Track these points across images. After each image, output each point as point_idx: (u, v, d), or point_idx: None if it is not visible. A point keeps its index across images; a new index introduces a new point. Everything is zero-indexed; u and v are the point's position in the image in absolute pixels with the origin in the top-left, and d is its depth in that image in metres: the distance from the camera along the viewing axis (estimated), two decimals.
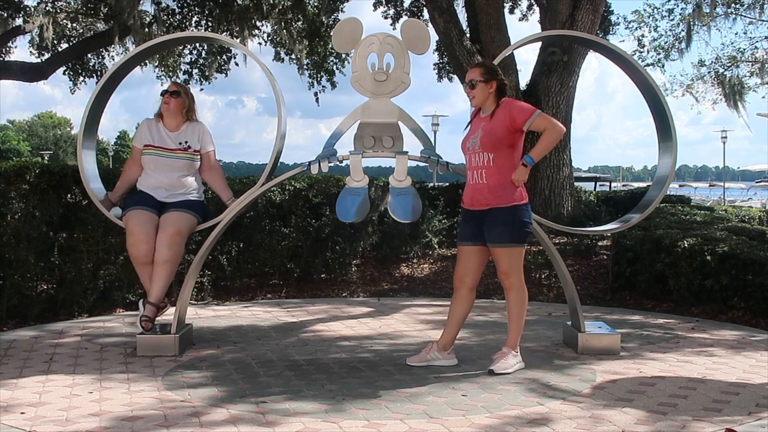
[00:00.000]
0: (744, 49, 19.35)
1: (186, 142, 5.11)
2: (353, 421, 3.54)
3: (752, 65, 19.71)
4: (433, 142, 5.58)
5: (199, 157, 5.17)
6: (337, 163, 4.87)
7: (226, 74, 17.34)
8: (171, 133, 5.12)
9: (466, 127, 4.63)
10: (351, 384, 4.19)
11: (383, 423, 3.50)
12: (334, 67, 17.32)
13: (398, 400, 3.86)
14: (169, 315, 5.20)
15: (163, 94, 5.17)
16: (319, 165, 4.81)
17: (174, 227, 4.90)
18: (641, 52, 18.31)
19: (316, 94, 17.32)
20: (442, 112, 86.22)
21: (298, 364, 4.70)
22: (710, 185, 52.24)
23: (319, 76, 17.33)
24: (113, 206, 5.15)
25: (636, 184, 40.76)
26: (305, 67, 17.14)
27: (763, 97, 47.56)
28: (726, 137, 38.82)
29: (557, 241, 8.90)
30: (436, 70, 16.65)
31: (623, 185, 49.72)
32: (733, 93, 18.91)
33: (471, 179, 4.47)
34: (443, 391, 4.05)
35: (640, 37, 18.32)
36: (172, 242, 4.86)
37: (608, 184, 39.81)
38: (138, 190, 5.12)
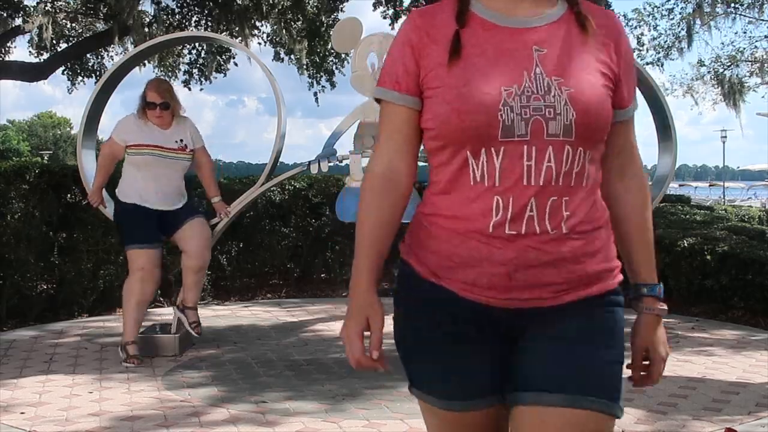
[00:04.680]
0: (744, 49, 19.35)
1: (181, 140, 4.78)
2: (353, 421, 3.54)
3: (752, 65, 19.70)
4: None
5: (192, 156, 4.88)
6: (337, 162, 4.88)
7: (225, 74, 17.34)
8: (165, 131, 4.74)
9: (452, 57, 1.43)
10: (351, 384, 4.19)
11: (383, 423, 3.49)
12: (334, 67, 17.33)
13: (398, 400, 3.85)
14: (168, 315, 5.21)
15: (149, 105, 4.69)
16: (319, 165, 4.82)
17: (206, 232, 4.88)
18: (640, 51, 18.31)
19: (315, 94, 17.33)
20: None
21: (298, 364, 4.70)
22: (710, 185, 52.17)
23: (318, 76, 17.33)
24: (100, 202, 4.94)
25: None
26: (305, 67, 17.15)
27: (763, 97, 47.33)
28: (726, 137, 38.79)
29: None
30: None
31: None
32: (733, 92, 18.91)
33: (510, 221, 1.42)
34: None
35: (640, 36, 18.33)
36: (208, 245, 4.89)
37: None
38: (133, 204, 4.70)
